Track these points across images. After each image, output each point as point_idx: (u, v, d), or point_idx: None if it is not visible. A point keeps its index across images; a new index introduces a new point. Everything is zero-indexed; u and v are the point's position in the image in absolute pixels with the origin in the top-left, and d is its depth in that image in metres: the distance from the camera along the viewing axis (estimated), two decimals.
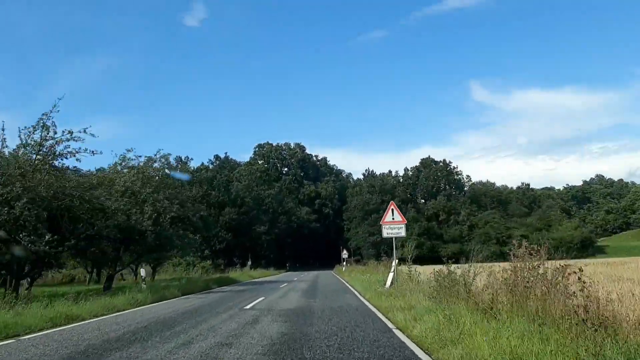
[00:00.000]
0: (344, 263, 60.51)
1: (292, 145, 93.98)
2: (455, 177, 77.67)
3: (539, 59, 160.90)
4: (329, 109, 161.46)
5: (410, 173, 78.39)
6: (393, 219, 17.96)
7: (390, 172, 78.75)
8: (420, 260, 70.23)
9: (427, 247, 64.09)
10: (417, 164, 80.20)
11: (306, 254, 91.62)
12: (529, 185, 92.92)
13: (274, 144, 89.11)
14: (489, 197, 79.61)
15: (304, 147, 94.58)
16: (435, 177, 75.96)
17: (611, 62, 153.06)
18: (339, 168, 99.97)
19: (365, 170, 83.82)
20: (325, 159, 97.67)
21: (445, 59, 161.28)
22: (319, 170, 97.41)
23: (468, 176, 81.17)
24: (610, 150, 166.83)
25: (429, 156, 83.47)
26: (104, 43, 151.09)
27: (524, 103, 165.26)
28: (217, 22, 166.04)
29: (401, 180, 77.80)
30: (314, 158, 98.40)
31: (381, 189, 73.33)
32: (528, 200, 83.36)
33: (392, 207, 17.59)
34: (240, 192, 60.12)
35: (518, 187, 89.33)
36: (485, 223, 72.58)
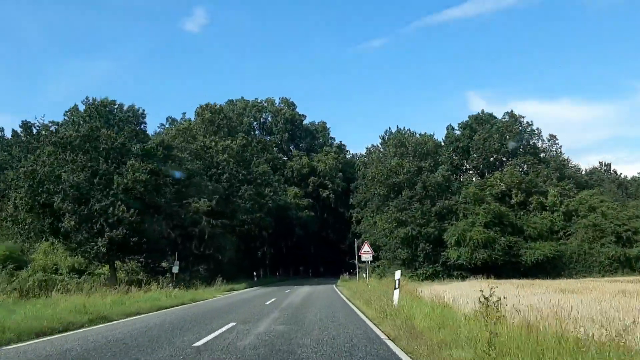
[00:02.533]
0: (360, 272, 40.92)
1: (278, 102, 64.02)
2: (529, 137, 47.72)
3: (537, 70, 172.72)
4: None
5: (459, 132, 48.06)
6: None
7: (425, 133, 49.73)
8: (492, 271, 38.26)
9: (502, 248, 44.13)
10: (466, 120, 50.53)
11: (295, 257, 60.80)
12: None
13: (250, 100, 58.92)
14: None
15: (293, 104, 64.62)
16: (498, 139, 44.33)
17: (608, 74, 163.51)
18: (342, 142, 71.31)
19: (385, 132, 53.42)
20: (324, 124, 68.42)
21: (442, 69, 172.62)
22: (314, 137, 67.34)
23: (552, 137, 51.86)
24: None
25: (482, 110, 54.53)
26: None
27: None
28: (219, 29, 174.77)
29: (443, 143, 47.09)
30: (308, 123, 69.29)
31: (417, 152, 42.17)
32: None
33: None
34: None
35: None
36: (591, 209, 41.33)
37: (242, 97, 67.00)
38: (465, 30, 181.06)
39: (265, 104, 72.99)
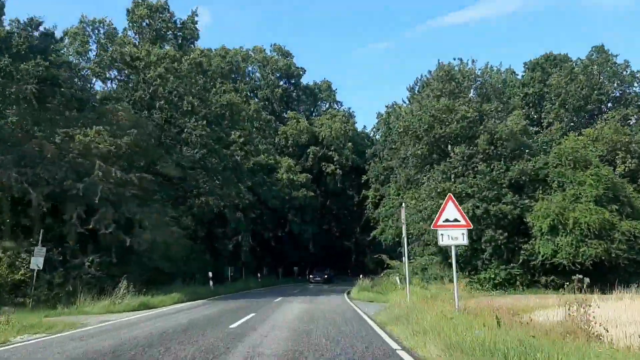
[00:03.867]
0: (392, 275, 28.88)
1: (269, 51, 47.43)
2: (631, 81, 28.10)
3: None
4: None
5: (524, 75, 28.76)
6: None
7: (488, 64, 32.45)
8: (606, 275, 26.13)
9: (626, 239, 27.22)
10: (536, 59, 31.09)
11: (286, 253, 44.12)
12: None
13: (231, 49, 41.60)
14: None
15: (288, 54, 47.80)
16: (586, 83, 23.04)
17: None
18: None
19: (416, 80, 35.55)
20: (328, 84, 51.24)
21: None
22: (315, 99, 50.42)
23: None
24: None
25: (551, 52, 36.32)
26: None
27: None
28: None
29: (505, 90, 27.82)
30: (308, 83, 53.45)
31: (478, 89, 22.02)
32: None
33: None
34: None
35: None
36: None
37: (223, 46, 50.18)
38: (467, 35, 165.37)
39: (252, 53, 56.10)
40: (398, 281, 23.73)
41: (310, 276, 47.87)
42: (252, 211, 45.37)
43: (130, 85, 25.47)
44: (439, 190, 29.63)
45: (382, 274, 35.06)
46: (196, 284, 25.38)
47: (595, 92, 36.58)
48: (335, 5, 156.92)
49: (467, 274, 29.29)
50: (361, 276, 38.58)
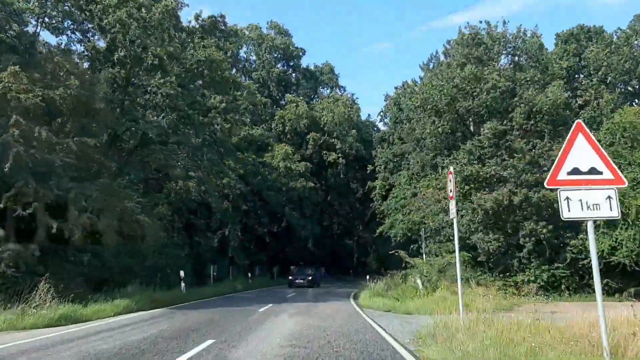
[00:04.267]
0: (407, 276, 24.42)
1: (265, 29, 41.85)
2: None
3: None
4: None
5: (563, 49, 22.64)
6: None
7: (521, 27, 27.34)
8: None
9: None
10: (570, 29, 24.90)
11: (282, 251, 49.82)
12: None
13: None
14: None
15: (287, 33, 42.30)
16: (629, 55, 17.14)
17: None
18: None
19: (431, 57, 29.76)
20: (330, 67, 45.69)
21: None
22: (316, 82, 44.89)
23: None
24: None
25: (583, 24, 29.89)
26: None
27: None
28: None
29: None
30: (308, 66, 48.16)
31: (510, 55, 16.03)
32: None
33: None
34: None
35: None
36: None
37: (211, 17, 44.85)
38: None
39: (246, 32, 50.82)
40: (420, 284, 18.68)
41: (291, 278, 35.92)
42: (244, 202, 40.29)
43: (86, 36, 20.51)
44: (465, 173, 24.48)
45: (393, 274, 29.95)
46: (164, 286, 20.25)
47: None
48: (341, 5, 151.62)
49: (499, 276, 24.14)
50: (368, 277, 33.53)
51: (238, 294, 25.52)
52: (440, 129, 26.60)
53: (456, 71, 26.93)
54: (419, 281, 18.90)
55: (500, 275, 24.62)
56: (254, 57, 53.72)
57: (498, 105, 25.41)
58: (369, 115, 58.79)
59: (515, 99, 24.98)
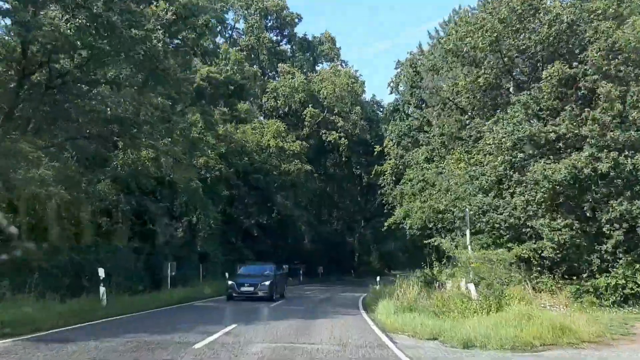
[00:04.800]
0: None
1: None
2: None
3: None
4: None
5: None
6: None
7: None
8: None
9: None
10: None
11: (272, 246, 39.67)
12: None
13: None
14: None
15: None
16: None
17: None
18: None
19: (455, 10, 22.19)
20: (330, 37, 38.32)
21: None
22: (314, 53, 37.40)
23: None
24: None
25: None
26: None
27: None
28: None
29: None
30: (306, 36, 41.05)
31: None
32: None
33: None
34: None
35: None
36: None
37: None
38: None
39: None
40: (473, 291, 11.90)
41: (232, 283, 21.04)
42: (226, 187, 33.44)
43: None
44: (519, 135, 17.64)
45: (403, 276, 23.19)
46: (83, 292, 13.42)
47: None
48: None
49: (568, 279, 17.32)
50: (378, 278, 26.74)
51: (200, 303, 18.57)
52: (481, 80, 19.71)
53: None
54: (471, 287, 12.16)
55: (567, 278, 17.91)
56: (242, 26, 46.77)
57: (564, 42, 18.59)
58: (373, 95, 52.12)
59: (589, 33, 18.11)
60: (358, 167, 45.64)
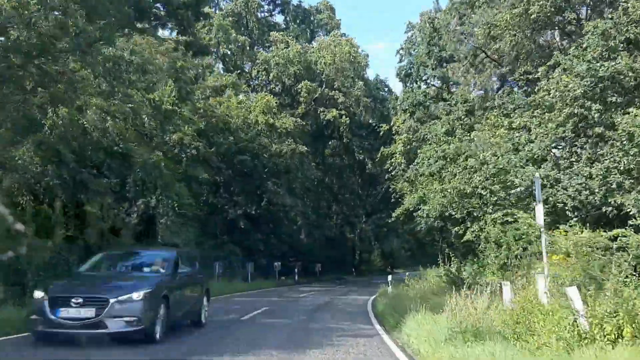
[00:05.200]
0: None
1: None
2: None
3: None
4: None
5: None
6: None
7: None
8: None
9: None
10: None
11: (262, 241, 34.47)
12: None
13: None
14: None
15: None
16: None
17: None
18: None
19: None
20: (328, 5, 32.63)
21: None
22: (310, 24, 31.67)
23: None
24: None
25: None
26: None
27: None
28: None
29: None
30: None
31: None
32: None
33: None
34: None
35: None
36: None
37: None
38: None
39: None
40: (575, 298, 6.96)
41: (39, 297, 8.42)
42: (207, 170, 28.34)
43: None
44: (596, 76, 12.59)
45: (445, 271, 18.56)
46: None
47: None
48: None
49: None
50: (390, 278, 21.71)
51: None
52: (534, 9, 14.57)
53: None
54: (573, 293, 7.06)
55: None
56: None
57: None
58: (377, 75, 46.94)
59: None
60: (360, 151, 40.54)
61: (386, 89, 44.28)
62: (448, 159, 22.67)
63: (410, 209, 29.87)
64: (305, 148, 32.37)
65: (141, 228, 17.81)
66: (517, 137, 16.31)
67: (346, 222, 61.70)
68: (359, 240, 62.73)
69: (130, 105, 16.64)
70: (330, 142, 45.27)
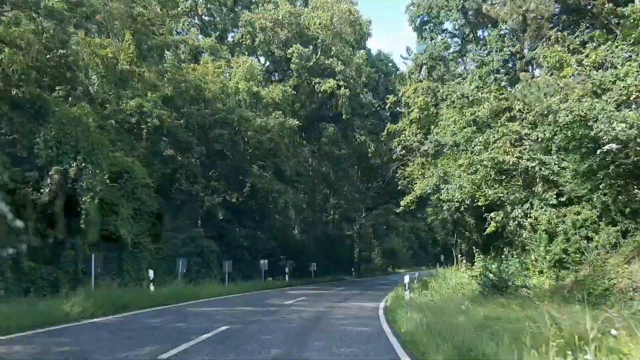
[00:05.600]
0: None
1: None
2: None
3: None
4: None
5: None
6: None
7: None
8: None
9: None
10: None
11: (247, 236, 29.37)
12: None
13: None
14: None
15: None
16: None
17: None
18: None
19: None
20: None
21: None
22: None
23: None
24: None
25: None
26: None
27: None
28: None
29: None
30: None
31: None
32: None
33: None
34: None
35: None
36: None
37: None
38: None
39: None
40: None
41: None
42: (175, 149, 23.11)
43: None
44: None
45: (482, 269, 13.67)
46: None
47: None
48: None
49: None
50: (407, 279, 16.39)
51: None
52: None
53: None
54: None
55: None
56: None
57: None
58: (379, 51, 41.56)
59: None
60: (362, 132, 35.00)
61: (390, 64, 39.05)
62: (480, 124, 17.65)
63: (424, 194, 24.81)
64: (297, 122, 26.93)
65: (55, 208, 12.51)
66: (598, 75, 11.20)
67: (344, 218, 56.42)
68: (359, 237, 57.40)
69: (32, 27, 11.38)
70: (327, 127, 39.85)
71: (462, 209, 18.57)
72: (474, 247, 23.83)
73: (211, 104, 24.36)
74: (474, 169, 15.91)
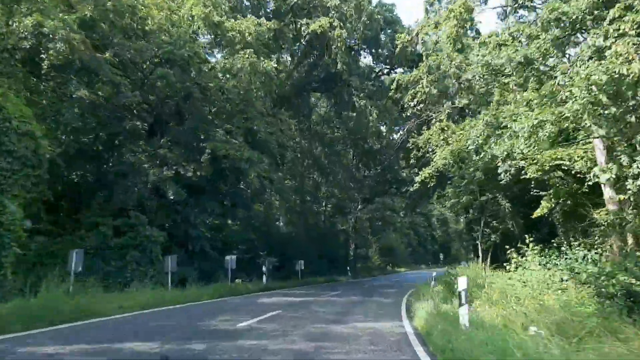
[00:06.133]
0: None
1: None
2: None
3: None
4: None
5: None
6: None
7: None
8: None
9: None
10: None
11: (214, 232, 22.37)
12: None
13: None
14: None
15: None
16: None
17: None
18: None
19: None
20: None
21: None
22: None
23: None
24: None
25: None
26: None
27: None
28: None
29: None
30: None
31: None
32: None
33: None
34: None
35: None
36: None
37: None
38: None
39: None
40: None
41: None
42: (90, 90, 16.02)
43: None
44: None
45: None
46: None
47: None
48: None
49: None
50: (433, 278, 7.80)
51: None
52: None
53: None
54: None
55: None
56: None
57: None
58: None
59: None
60: (361, 95, 27.78)
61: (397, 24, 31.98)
62: (571, 26, 10.72)
63: (447, 167, 18.32)
64: (274, 64, 19.63)
65: None
66: None
67: (338, 209, 49.48)
68: (354, 232, 50.45)
69: None
70: (317, 103, 32.49)
71: (527, 173, 11.75)
72: (518, 236, 17.33)
73: (151, 37, 17.30)
74: (567, 94, 9.07)
